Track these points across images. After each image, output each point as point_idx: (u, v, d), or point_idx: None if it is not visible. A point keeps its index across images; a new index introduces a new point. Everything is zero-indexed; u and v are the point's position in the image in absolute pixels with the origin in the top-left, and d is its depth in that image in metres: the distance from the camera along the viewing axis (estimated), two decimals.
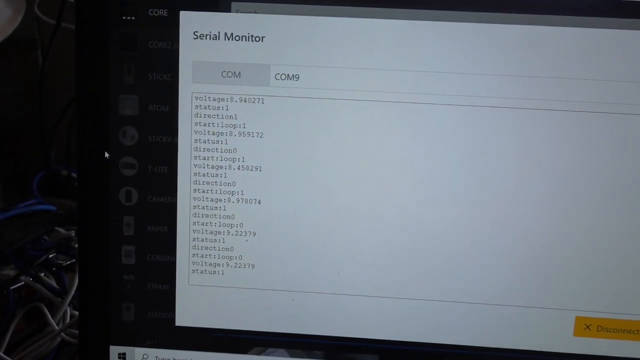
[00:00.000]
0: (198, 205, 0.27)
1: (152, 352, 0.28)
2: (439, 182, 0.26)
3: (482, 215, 0.26)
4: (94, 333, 0.28)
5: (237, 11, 0.25)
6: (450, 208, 0.26)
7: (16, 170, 0.56)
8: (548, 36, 0.25)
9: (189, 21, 0.25)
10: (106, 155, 0.26)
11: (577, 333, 0.26)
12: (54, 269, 0.40)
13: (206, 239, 0.27)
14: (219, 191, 0.26)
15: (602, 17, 0.24)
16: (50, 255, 0.40)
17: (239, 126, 0.26)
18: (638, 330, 0.26)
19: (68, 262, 0.41)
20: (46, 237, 0.43)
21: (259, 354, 0.28)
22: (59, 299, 0.37)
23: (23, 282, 0.38)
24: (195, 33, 0.25)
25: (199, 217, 0.27)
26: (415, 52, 0.25)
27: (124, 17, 0.25)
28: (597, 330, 0.26)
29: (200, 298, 0.27)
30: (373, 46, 0.25)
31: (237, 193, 0.26)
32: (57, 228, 0.44)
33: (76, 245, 0.41)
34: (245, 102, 0.26)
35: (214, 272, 0.27)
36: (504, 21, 0.25)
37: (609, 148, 0.25)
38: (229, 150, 0.26)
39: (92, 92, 0.26)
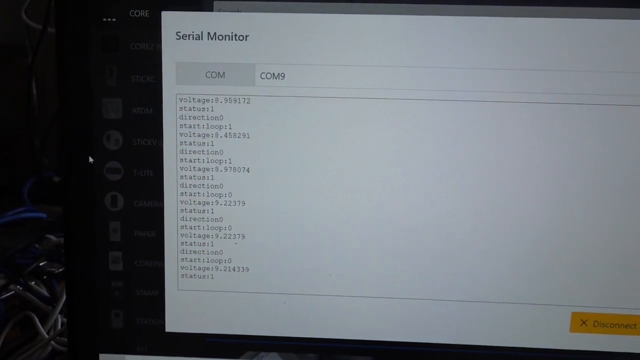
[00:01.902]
0: (185, 209, 0.26)
1: (143, 359, 0.27)
2: (428, 179, 0.25)
3: (474, 212, 0.25)
4: (83, 341, 0.27)
5: (219, 10, 0.25)
6: (441, 205, 0.25)
7: (8, 178, 0.56)
8: (534, 28, 0.24)
9: (171, 21, 0.25)
10: (90, 160, 0.26)
11: (573, 329, 0.26)
12: (45, 277, 0.39)
13: (194, 242, 0.26)
14: (206, 194, 0.26)
15: (587, 6, 0.24)
16: (41, 264, 0.40)
17: (225, 127, 0.25)
18: (635, 325, 0.26)
19: (59, 270, 0.40)
20: (36, 245, 0.42)
21: (251, 358, 0.27)
22: (50, 307, 0.36)
23: (13, 292, 0.37)
24: (178, 33, 0.25)
25: (186, 220, 0.26)
26: (402, 47, 0.25)
27: (104, 19, 0.25)
28: (594, 326, 0.26)
29: (190, 303, 0.27)
30: (358, 42, 0.25)
31: (224, 195, 0.26)
32: (47, 235, 0.43)
33: None
34: (231, 102, 0.25)
35: (204, 276, 0.27)
36: (490, 14, 0.24)
37: (600, 140, 0.25)
38: (216, 152, 0.26)
39: (74, 96, 0.26)
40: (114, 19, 0.25)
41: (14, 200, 0.50)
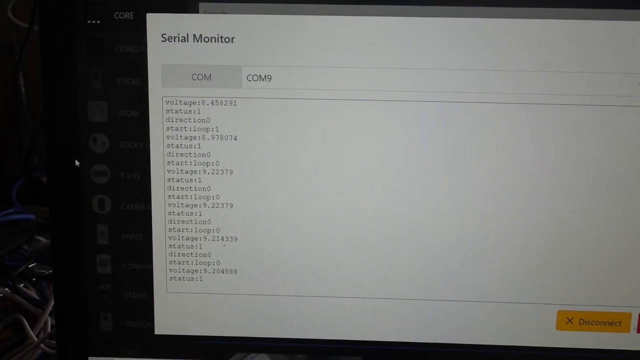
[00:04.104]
0: (173, 212, 0.26)
1: None
2: (416, 180, 0.25)
3: (461, 213, 0.26)
4: (72, 344, 0.27)
5: (205, 12, 0.25)
6: (429, 206, 0.26)
7: None
8: (524, 29, 0.24)
9: (156, 23, 0.25)
10: (77, 163, 0.26)
11: (559, 327, 0.26)
12: (34, 279, 0.39)
13: (183, 245, 0.26)
14: (193, 196, 0.26)
15: (582, 8, 0.24)
16: (30, 265, 0.40)
17: (211, 129, 0.25)
18: (620, 322, 0.26)
19: (49, 272, 0.40)
20: (25, 247, 0.42)
21: (241, 359, 0.27)
22: (40, 309, 0.36)
23: (2, 294, 0.37)
24: (163, 35, 0.25)
25: (174, 223, 0.26)
26: (389, 49, 0.25)
27: (89, 21, 0.25)
28: (579, 324, 0.26)
29: (179, 305, 0.27)
30: (345, 44, 0.25)
31: (212, 198, 0.26)
32: (36, 237, 0.43)
33: None
34: (218, 104, 0.25)
35: (192, 278, 0.27)
36: (482, 15, 0.24)
37: (590, 141, 0.25)
38: (203, 155, 0.26)
39: (59, 99, 0.25)
40: (98, 21, 0.25)
41: (2, 202, 0.50)
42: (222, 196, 0.26)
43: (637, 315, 0.26)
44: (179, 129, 0.25)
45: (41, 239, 0.43)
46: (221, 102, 0.25)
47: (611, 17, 0.24)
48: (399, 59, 0.25)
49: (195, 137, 0.25)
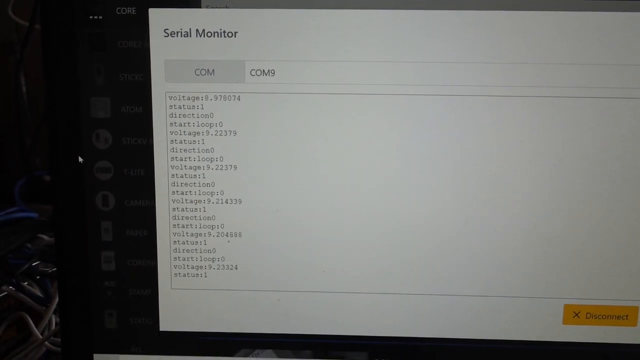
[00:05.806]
0: (177, 208, 0.26)
1: (137, 359, 0.27)
2: (421, 174, 0.25)
3: (466, 207, 0.25)
4: (77, 341, 0.27)
5: (207, 6, 0.24)
6: (434, 200, 0.25)
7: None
8: (527, 21, 0.24)
9: (159, 18, 0.24)
10: (80, 160, 0.26)
11: (566, 321, 0.26)
12: (38, 277, 0.39)
13: (187, 241, 0.26)
14: (198, 192, 0.26)
15: None
16: (34, 264, 0.40)
17: (215, 125, 0.25)
18: (626, 315, 0.26)
19: (52, 270, 0.40)
20: (29, 245, 0.42)
21: (246, 355, 0.27)
22: (44, 307, 0.36)
23: (6, 292, 0.37)
24: (166, 31, 0.25)
25: (178, 219, 0.26)
26: (394, 42, 0.24)
27: (91, 17, 0.25)
28: (586, 318, 0.26)
29: (184, 302, 0.27)
30: (349, 37, 0.24)
31: (216, 193, 0.26)
32: (40, 235, 0.43)
33: None
34: (221, 99, 0.25)
35: (197, 274, 0.26)
36: (483, 7, 0.24)
37: (590, 133, 0.25)
38: (207, 150, 0.25)
39: (62, 95, 0.25)
40: (100, 17, 0.25)
41: (5, 201, 0.50)
42: (226, 192, 0.26)
43: None
44: (183, 124, 0.25)
45: (44, 237, 0.43)
46: (225, 97, 0.25)
47: (608, 9, 0.24)
48: (404, 52, 0.24)
49: (198, 133, 0.25)
